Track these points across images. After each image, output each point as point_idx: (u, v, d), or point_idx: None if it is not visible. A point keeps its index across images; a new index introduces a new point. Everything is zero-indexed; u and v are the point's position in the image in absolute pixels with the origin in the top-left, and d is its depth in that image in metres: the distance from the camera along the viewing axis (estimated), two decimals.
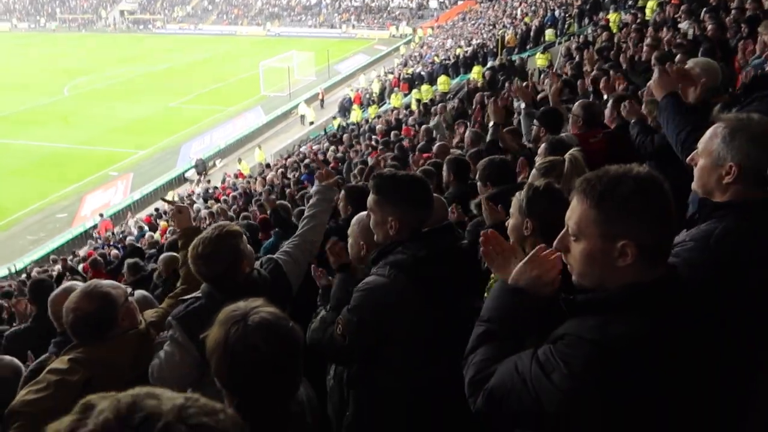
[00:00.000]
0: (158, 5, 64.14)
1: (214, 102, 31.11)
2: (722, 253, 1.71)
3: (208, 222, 11.00)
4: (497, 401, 1.45)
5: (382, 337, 2.16)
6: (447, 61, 22.76)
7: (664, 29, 8.70)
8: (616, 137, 3.90)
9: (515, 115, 7.35)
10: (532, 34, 20.91)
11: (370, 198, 2.29)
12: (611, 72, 6.24)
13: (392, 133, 13.00)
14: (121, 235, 15.88)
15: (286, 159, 17.71)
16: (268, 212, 6.67)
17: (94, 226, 17.96)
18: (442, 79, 19.36)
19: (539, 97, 6.59)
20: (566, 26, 20.07)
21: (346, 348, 2.19)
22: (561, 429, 1.38)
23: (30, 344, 4.26)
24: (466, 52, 22.84)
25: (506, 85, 12.38)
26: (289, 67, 32.59)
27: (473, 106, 9.98)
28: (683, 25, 8.88)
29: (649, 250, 1.37)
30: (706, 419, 1.37)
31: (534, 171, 2.82)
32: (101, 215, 18.30)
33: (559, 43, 18.09)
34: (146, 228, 15.67)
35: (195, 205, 15.45)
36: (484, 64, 19.70)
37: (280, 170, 15.09)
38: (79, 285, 2.97)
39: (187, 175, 22.32)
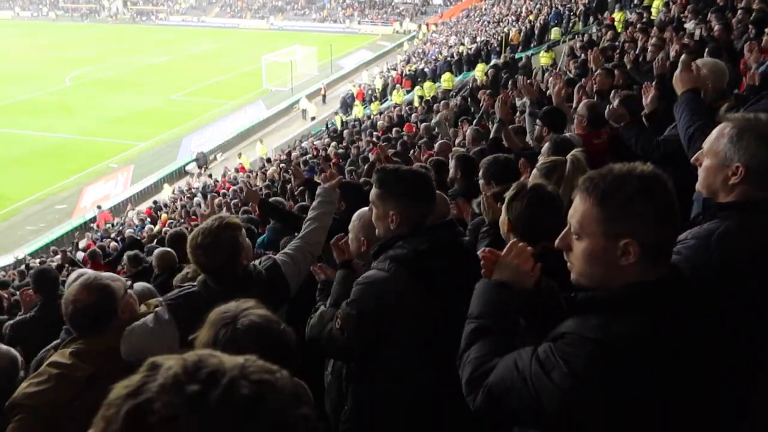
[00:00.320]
0: None
1: (216, 95, 31.08)
2: (724, 252, 1.71)
3: (208, 213, 10.97)
4: (496, 399, 1.45)
5: (381, 333, 2.15)
6: (450, 58, 22.72)
7: (670, 29, 8.66)
8: (621, 138, 3.88)
9: (518, 113, 7.33)
10: (536, 32, 20.86)
11: (373, 191, 2.29)
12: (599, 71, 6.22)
13: (394, 129, 12.99)
14: (120, 227, 15.88)
15: (287, 154, 17.69)
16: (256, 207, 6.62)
17: (93, 218, 17.97)
18: (445, 76, 19.32)
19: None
20: (571, 25, 20.01)
21: (345, 343, 2.17)
22: (561, 428, 1.37)
23: (36, 333, 4.27)
24: (470, 49, 22.79)
25: (509, 83, 12.36)
26: (291, 61, 32.55)
27: (479, 103, 9.95)
28: (689, 26, 8.85)
29: (652, 249, 1.36)
30: (706, 419, 1.36)
31: (535, 171, 2.81)
32: (99, 207, 18.31)
33: (564, 41, 18.05)
34: (147, 220, 15.66)
35: (195, 199, 15.45)
36: (487, 61, 19.66)
37: (281, 165, 15.07)
38: (102, 273, 2.99)
39: (187, 168, 22.31)
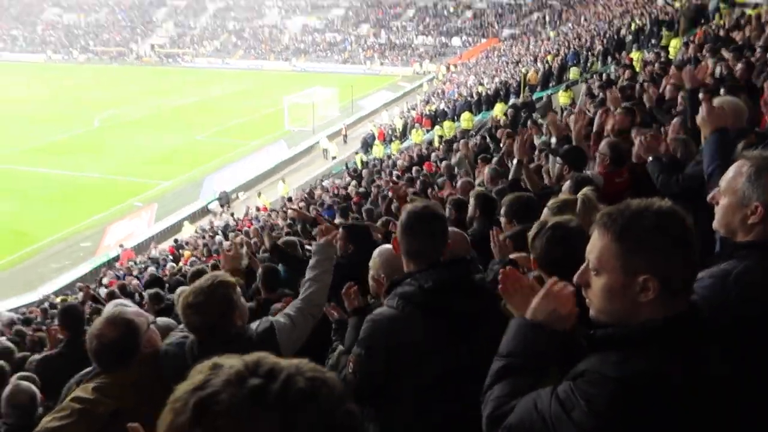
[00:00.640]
0: (188, 40, 66.06)
1: (239, 135, 31.68)
2: (742, 292, 1.69)
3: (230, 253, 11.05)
4: None
5: (392, 370, 2.13)
6: (470, 98, 22.98)
7: (688, 68, 8.69)
8: (642, 176, 3.88)
9: (537, 152, 7.36)
10: (555, 72, 21.06)
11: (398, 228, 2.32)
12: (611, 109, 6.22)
13: (414, 168, 13.09)
14: (142, 266, 16.06)
15: (308, 193, 17.88)
16: (269, 248, 6.62)
17: (117, 257, 18.22)
18: (465, 115, 19.52)
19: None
20: (589, 64, 20.20)
21: (358, 385, 2.16)
22: None
23: (61, 370, 4.30)
24: (489, 89, 23.05)
25: (528, 122, 12.43)
26: (312, 102, 33.17)
27: (499, 142, 10.02)
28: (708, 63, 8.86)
29: (672, 285, 1.36)
30: None
31: (546, 210, 2.81)
32: (121, 246, 18.58)
33: (582, 81, 18.19)
34: (170, 258, 15.83)
35: (216, 237, 15.62)
36: (506, 101, 19.85)
37: (300, 204, 15.22)
38: (126, 308, 3.04)
39: (210, 207, 22.62)
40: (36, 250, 18.96)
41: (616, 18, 27.08)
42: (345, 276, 3.00)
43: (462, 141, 13.53)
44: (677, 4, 20.53)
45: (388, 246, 2.85)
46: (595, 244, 1.43)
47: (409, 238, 2.22)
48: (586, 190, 2.76)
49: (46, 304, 13.34)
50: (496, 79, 25.68)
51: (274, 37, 63.61)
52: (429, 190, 8.68)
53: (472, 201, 4.54)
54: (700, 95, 3.42)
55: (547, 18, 49.62)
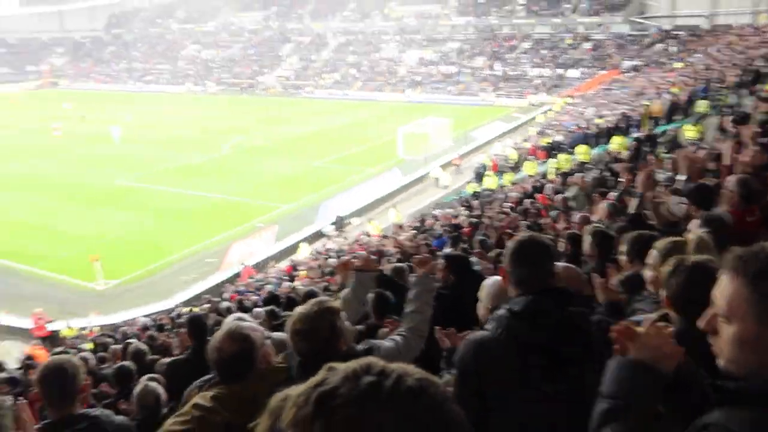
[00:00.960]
0: (310, 72, 69.63)
1: (355, 163, 32.75)
2: None
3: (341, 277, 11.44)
4: None
5: (483, 393, 2.14)
6: (587, 130, 22.29)
7: None
8: None
9: (660, 187, 7.04)
10: (681, 104, 19.96)
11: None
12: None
13: (526, 200, 12.90)
14: (261, 283, 16.95)
15: (419, 221, 18.11)
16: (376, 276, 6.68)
17: (238, 274, 19.37)
18: (581, 148, 18.98)
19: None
20: (720, 97, 18.94)
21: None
22: None
23: (186, 374, 4.71)
24: (608, 121, 22.24)
25: (649, 157, 11.88)
26: (426, 132, 33.65)
27: (617, 176, 9.68)
28: None
29: None
30: None
31: (654, 251, 2.72)
32: (242, 263, 19.72)
33: (713, 114, 17.09)
34: (286, 277, 16.60)
35: (330, 260, 16.19)
36: (626, 134, 19.05)
37: (411, 232, 15.44)
38: (244, 323, 3.31)
39: (324, 230, 23.49)
40: (169, 263, 20.59)
41: (751, 48, 25.25)
42: (447, 307, 3.05)
43: (578, 174, 13.18)
44: None
45: (497, 278, 2.88)
46: (725, 288, 1.34)
47: (513, 267, 2.28)
48: (701, 232, 2.67)
49: (174, 313, 14.48)
50: (616, 111, 24.73)
51: (391, 70, 65.45)
52: (542, 223, 8.55)
53: (588, 237, 4.44)
54: None
55: (673, 49, 47.24)
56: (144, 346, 7.84)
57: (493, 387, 2.13)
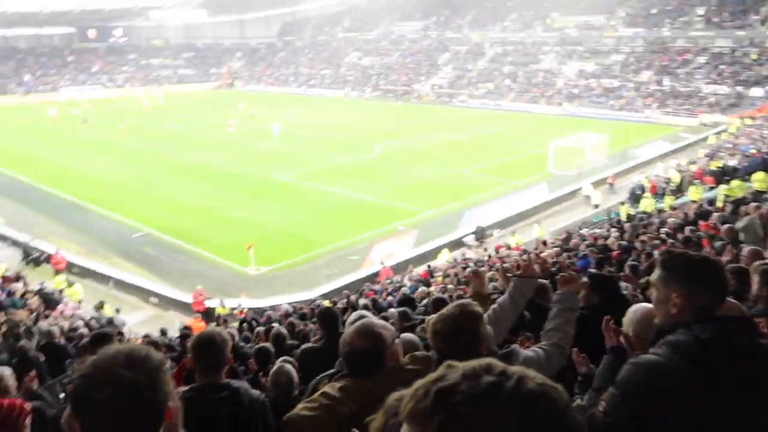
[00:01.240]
0: (465, 81, 69.76)
1: (502, 174, 32.26)
2: None
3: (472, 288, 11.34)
4: None
5: (645, 421, 1.98)
6: None
7: None
8: None
9: None
10: None
11: (655, 274, 2.20)
12: None
13: (687, 228, 11.84)
14: (398, 285, 17.29)
15: (563, 239, 17.38)
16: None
17: (377, 273, 19.91)
18: (759, 175, 17.04)
19: None
20: None
21: (606, 426, 2.07)
22: None
23: (317, 362, 4.96)
24: None
25: None
26: (580, 147, 32.23)
27: None
28: None
29: None
30: None
31: None
32: (382, 263, 20.22)
33: None
34: (421, 283, 16.76)
35: (467, 270, 16.08)
36: None
37: (554, 249, 14.84)
38: (376, 320, 3.41)
39: (465, 239, 23.39)
40: (315, 256, 21.76)
41: None
42: (585, 329, 2.90)
43: (753, 204, 11.85)
44: None
45: (646, 305, 2.70)
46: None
47: (691, 289, 2.09)
48: None
49: (314, 304, 15.24)
50: None
51: (548, 81, 63.59)
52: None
53: (757, 276, 3.97)
54: None
55: None
56: (284, 331, 8.36)
57: (661, 417, 1.96)
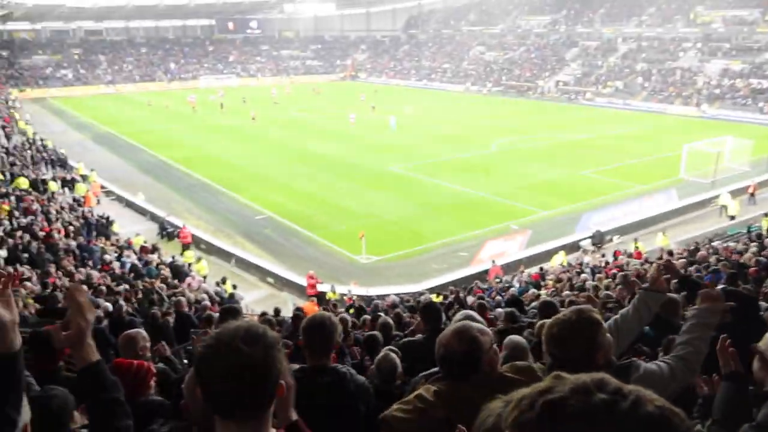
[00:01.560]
0: (593, 79, 66.62)
1: (626, 177, 30.53)
2: None
3: (593, 294, 10.88)
4: None
5: None
6: None
7: None
8: None
9: None
10: None
11: None
12: None
13: None
14: (507, 284, 16.96)
15: (691, 250, 16.13)
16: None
17: (486, 271, 19.63)
18: None
19: None
20: None
21: None
22: None
23: (421, 356, 4.99)
24: None
25: None
26: (719, 152, 29.69)
27: None
28: None
29: None
30: None
31: None
32: (493, 262, 19.88)
33: None
34: (531, 285, 16.33)
35: (582, 275, 15.43)
36: None
37: (681, 260, 13.81)
38: (474, 324, 3.37)
39: (581, 243, 22.42)
40: (425, 249, 21.86)
41: None
42: (715, 353, 2.66)
43: None
44: None
45: None
46: None
47: None
48: None
49: (421, 297, 15.32)
50: None
51: (686, 81, 59.15)
52: None
53: None
54: None
55: None
56: (391, 321, 8.50)
57: None
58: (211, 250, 22.36)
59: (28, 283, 11.10)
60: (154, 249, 19.53)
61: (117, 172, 32.67)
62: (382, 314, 10.78)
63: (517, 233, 23.18)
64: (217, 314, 8.40)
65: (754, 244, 14.56)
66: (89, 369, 2.01)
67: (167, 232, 23.59)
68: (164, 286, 14.40)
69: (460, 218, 24.60)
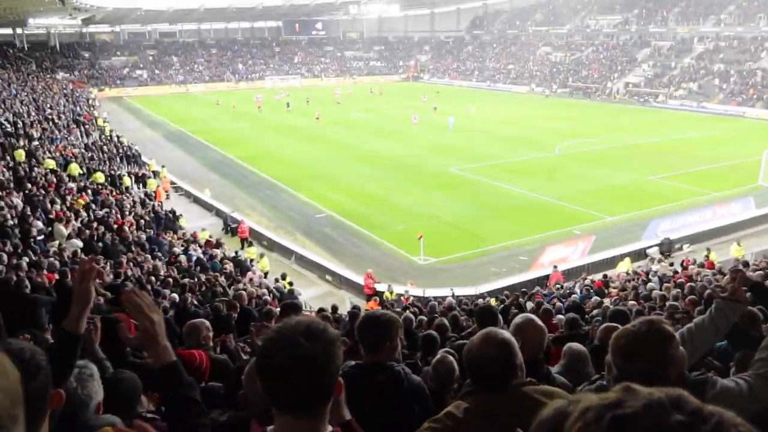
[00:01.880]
0: (665, 80, 64.07)
1: (699, 183, 29.17)
2: None
3: (659, 304, 10.47)
4: None
5: None
6: None
7: None
8: None
9: None
10: None
11: None
12: None
13: None
14: (567, 291, 16.52)
15: None
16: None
17: (547, 276, 19.19)
18: None
19: None
20: None
21: None
22: None
23: None
24: None
25: None
26: None
27: None
28: None
29: None
30: None
31: None
32: (555, 267, 19.40)
33: None
34: (594, 292, 15.85)
35: (649, 284, 14.85)
36: None
37: (758, 272, 13.07)
38: (536, 323, 3.29)
39: (648, 251, 21.58)
40: (483, 252, 21.58)
41: None
42: None
43: None
44: None
45: None
46: None
47: None
48: None
49: (478, 300, 15.14)
50: None
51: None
52: None
53: None
54: None
55: None
56: (447, 323, 8.45)
57: None
58: (273, 246, 22.86)
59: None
60: (218, 244, 20.15)
61: (186, 169, 33.95)
62: (437, 315, 10.74)
63: (580, 239, 22.55)
64: (278, 309, 8.58)
65: None
66: (165, 370, 2.07)
67: (230, 227, 24.30)
68: (225, 280, 14.82)
69: (521, 222, 24.18)
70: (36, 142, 26.13)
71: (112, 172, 26.43)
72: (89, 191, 20.64)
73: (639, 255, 21.42)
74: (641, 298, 12.42)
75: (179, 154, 38.50)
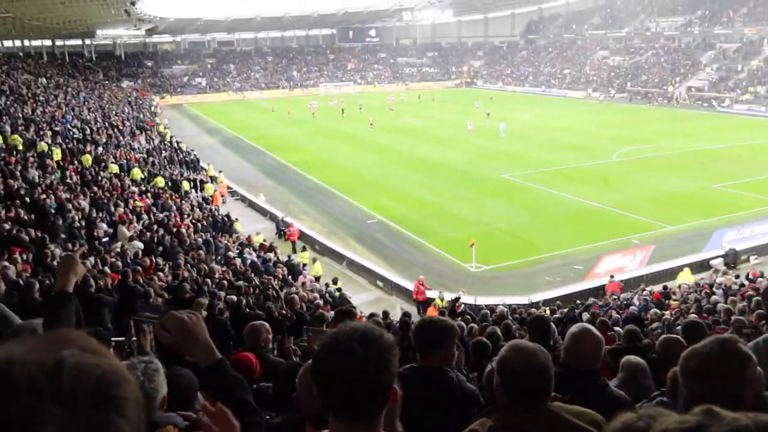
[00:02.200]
0: (731, 84, 61.47)
1: (767, 192, 27.77)
2: None
3: (723, 318, 10.01)
4: None
5: None
6: None
7: None
8: None
9: None
10: None
11: None
12: None
13: None
14: (625, 302, 16.00)
15: None
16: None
17: (603, 287, 18.64)
18: None
19: None
20: None
21: None
22: None
23: None
24: None
25: None
26: None
27: None
28: None
29: None
30: None
31: None
32: (612, 277, 18.83)
33: None
34: (653, 304, 15.30)
35: (713, 297, 14.23)
36: None
37: None
38: (593, 333, 3.18)
39: (712, 262, 20.69)
40: (537, 260, 21.16)
41: None
42: None
43: None
44: None
45: None
46: None
47: None
48: None
49: (531, 310, 14.85)
50: None
51: None
52: None
53: None
54: None
55: None
56: (499, 332, 8.31)
57: None
58: (325, 251, 23.11)
59: (160, 273, 12.07)
60: (272, 247, 20.52)
61: (242, 174, 34.80)
62: (488, 323, 10.60)
63: (638, 248, 21.82)
64: (329, 314, 8.65)
65: None
66: (210, 369, 2.08)
67: (283, 231, 24.72)
68: (280, 283, 15.07)
69: (576, 230, 23.60)
70: (101, 148, 27.35)
71: (173, 177, 27.35)
72: (150, 195, 21.41)
73: (701, 266, 20.56)
74: (704, 311, 11.91)
75: (235, 160, 39.49)
